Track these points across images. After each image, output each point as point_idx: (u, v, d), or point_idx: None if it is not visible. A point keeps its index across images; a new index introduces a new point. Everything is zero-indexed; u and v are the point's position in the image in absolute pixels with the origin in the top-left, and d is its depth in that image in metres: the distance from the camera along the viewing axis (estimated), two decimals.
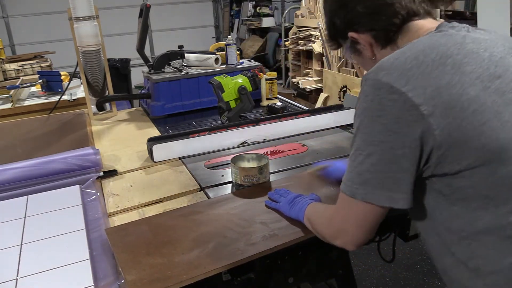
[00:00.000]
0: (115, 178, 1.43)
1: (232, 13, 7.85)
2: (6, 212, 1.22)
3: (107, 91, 2.20)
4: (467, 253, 0.76)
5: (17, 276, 0.94)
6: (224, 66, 2.23)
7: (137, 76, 3.77)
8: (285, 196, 1.12)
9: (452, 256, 0.78)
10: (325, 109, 1.92)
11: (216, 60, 2.19)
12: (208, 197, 1.25)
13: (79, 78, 2.30)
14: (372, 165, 0.74)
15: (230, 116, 1.81)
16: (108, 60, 2.17)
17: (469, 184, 0.72)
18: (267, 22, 6.72)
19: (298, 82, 4.80)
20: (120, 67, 4.57)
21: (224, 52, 2.25)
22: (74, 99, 2.44)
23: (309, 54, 4.79)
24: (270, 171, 1.31)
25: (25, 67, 3.08)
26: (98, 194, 1.31)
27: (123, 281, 0.89)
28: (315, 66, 4.66)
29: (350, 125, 1.75)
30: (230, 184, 1.31)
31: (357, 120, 0.77)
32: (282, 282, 1.08)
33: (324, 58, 4.27)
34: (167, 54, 2.19)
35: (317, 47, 4.43)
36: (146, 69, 2.19)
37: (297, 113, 1.81)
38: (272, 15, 6.74)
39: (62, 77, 2.55)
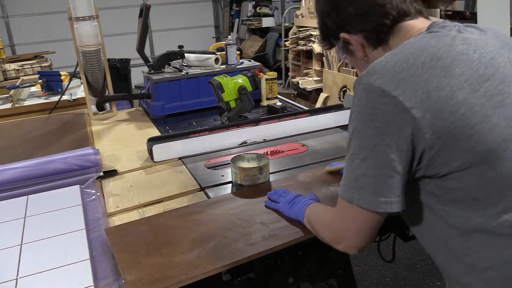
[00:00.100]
0: (115, 178, 1.43)
1: (232, 13, 7.85)
2: (6, 212, 1.22)
3: (107, 91, 2.20)
4: (464, 249, 0.77)
5: (17, 276, 0.94)
6: (224, 66, 2.23)
7: (137, 76, 3.78)
8: (284, 196, 1.11)
9: (449, 252, 0.79)
10: (325, 109, 1.92)
11: (216, 60, 2.19)
12: (208, 197, 1.25)
13: (79, 78, 2.30)
14: (367, 169, 0.74)
15: (230, 116, 1.81)
16: (108, 60, 2.17)
17: (459, 185, 0.73)
18: (267, 22, 6.72)
19: (298, 82, 4.80)
20: (120, 67, 4.57)
21: (224, 52, 2.25)
22: (74, 99, 2.44)
23: (309, 54, 4.79)
24: (270, 171, 1.31)
25: (25, 67, 3.08)
26: (98, 194, 1.31)
27: (123, 281, 0.89)
28: (315, 66, 4.66)
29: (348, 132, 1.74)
30: (230, 184, 1.31)
31: (351, 124, 0.78)
32: (282, 282, 1.08)
33: (324, 58, 4.27)
34: (167, 54, 2.19)
35: (317, 47, 4.43)
36: (146, 69, 2.19)
37: (297, 113, 1.81)
38: (272, 15, 6.74)
39: (62, 77, 2.55)
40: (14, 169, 1.34)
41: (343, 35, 0.88)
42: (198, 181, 1.35)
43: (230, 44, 2.22)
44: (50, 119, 2.16)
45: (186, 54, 2.21)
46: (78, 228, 1.12)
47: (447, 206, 0.76)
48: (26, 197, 1.30)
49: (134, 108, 2.36)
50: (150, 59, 2.18)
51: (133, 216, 1.18)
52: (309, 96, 4.67)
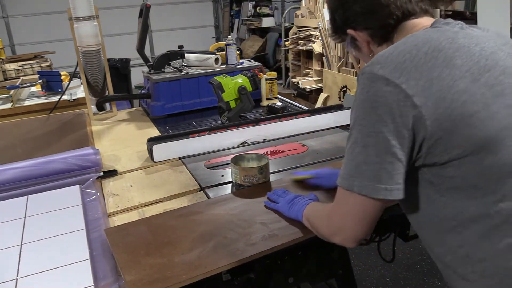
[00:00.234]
0: (115, 178, 1.43)
1: (232, 13, 7.85)
2: (6, 212, 1.22)
3: (107, 91, 2.20)
4: (458, 241, 0.78)
5: (17, 276, 0.94)
6: (224, 66, 2.23)
7: (137, 76, 3.77)
8: (283, 197, 1.12)
9: (444, 244, 0.81)
10: (325, 109, 1.92)
11: (216, 60, 2.19)
12: (208, 197, 1.25)
13: (79, 78, 2.30)
14: (368, 156, 0.76)
15: (230, 116, 1.81)
16: (108, 60, 2.17)
17: (458, 173, 0.74)
18: (267, 22, 6.72)
19: (298, 82, 4.80)
20: (120, 67, 4.57)
21: (224, 52, 2.25)
22: (74, 99, 2.44)
23: (309, 54, 4.78)
24: (270, 171, 1.31)
25: (25, 67, 3.08)
26: (98, 194, 1.31)
27: (123, 281, 0.89)
28: (315, 66, 4.66)
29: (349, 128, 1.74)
30: (230, 184, 1.31)
31: (353, 113, 0.79)
32: (282, 282, 1.08)
33: (324, 58, 4.27)
34: (167, 54, 2.19)
35: (317, 47, 4.43)
36: (146, 69, 2.19)
37: (297, 113, 1.81)
38: (272, 15, 6.74)
39: (62, 77, 2.55)
40: (14, 169, 1.34)
41: (349, 31, 0.91)
42: (198, 181, 1.35)
43: (230, 44, 2.22)
44: (50, 119, 2.16)
45: (186, 54, 2.21)
46: (78, 228, 1.12)
47: (444, 196, 0.77)
48: (26, 197, 1.30)
49: (134, 108, 2.36)
50: (150, 59, 2.18)
51: (133, 216, 1.18)
52: (309, 96, 4.67)
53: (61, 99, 2.32)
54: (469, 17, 3.11)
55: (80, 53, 1.95)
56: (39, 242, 1.07)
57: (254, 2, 7.15)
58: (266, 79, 2.17)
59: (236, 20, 7.73)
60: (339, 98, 3.90)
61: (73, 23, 1.87)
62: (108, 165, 1.50)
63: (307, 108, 2.05)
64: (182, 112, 2.10)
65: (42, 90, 2.55)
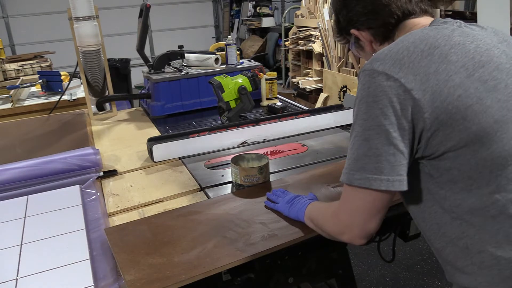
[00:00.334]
0: (115, 178, 1.43)
1: (232, 13, 7.85)
2: (6, 212, 1.22)
3: (107, 91, 2.20)
4: (457, 233, 0.80)
5: (17, 276, 0.94)
6: (224, 66, 2.23)
7: (137, 76, 3.78)
8: (282, 197, 1.12)
9: (444, 237, 0.82)
10: (325, 109, 1.92)
11: (216, 60, 2.19)
12: (208, 197, 1.25)
13: (79, 78, 2.30)
14: (370, 149, 0.77)
15: (230, 116, 1.81)
16: (108, 60, 2.17)
17: (454, 165, 0.77)
18: (267, 22, 6.72)
19: (298, 82, 4.79)
20: (120, 67, 4.58)
21: (224, 52, 2.25)
22: (74, 99, 2.44)
23: (309, 54, 4.78)
24: (270, 171, 1.31)
25: (25, 67, 3.08)
26: (98, 194, 1.31)
27: (123, 281, 0.89)
28: (315, 66, 4.66)
29: (350, 125, 1.75)
30: (230, 184, 1.31)
31: (355, 109, 0.82)
32: (282, 282, 1.08)
33: (324, 58, 4.26)
34: (167, 54, 2.19)
35: (317, 47, 4.43)
36: (146, 69, 2.19)
37: (297, 113, 1.81)
38: (272, 15, 6.74)
39: (62, 77, 2.55)
40: (14, 169, 1.34)
41: (353, 31, 0.96)
42: (198, 181, 1.35)
43: (230, 44, 2.22)
44: (50, 119, 2.16)
45: (186, 54, 2.21)
46: (78, 228, 1.12)
47: (443, 189, 0.80)
48: (26, 197, 1.30)
49: (134, 108, 2.36)
50: (150, 59, 2.18)
51: (133, 216, 1.18)
52: (309, 96, 4.67)
53: (61, 99, 2.32)
54: (469, 17, 3.11)
55: (80, 53, 1.95)
56: (39, 242, 1.07)
57: (254, 2, 7.15)
58: (266, 79, 2.17)
59: (236, 20, 7.73)
60: (339, 98, 3.90)
61: (73, 23, 1.87)
62: (108, 165, 1.50)
63: (307, 108, 2.06)
64: (182, 112, 2.10)
65: (42, 90, 2.56)
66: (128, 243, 1.00)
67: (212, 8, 8.14)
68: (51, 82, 2.53)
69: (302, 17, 4.79)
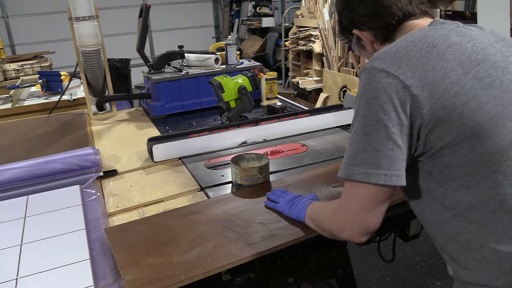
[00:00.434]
0: (115, 178, 1.43)
1: (232, 13, 7.85)
2: (6, 212, 1.22)
3: (107, 91, 2.20)
4: (458, 229, 0.81)
5: (17, 276, 0.94)
6: (224, 66, 2.23)
7: (137, 76, 3.77)
8: (283, 197, 1.12)
9: (446, 233, 0.84)
10: (325, 109, 1.92)
11: (216, 60, 2.19)
12: (208, 197, 1.25)
13: (79, 78, 2.30)
14: (369, 144, 0.79)
15: (230, 116, 1.81)
16: (108, 60, 2.17)
17: (452, 162, 0.79)
18: (267, 22, 6.72)
19: (298, 82, 4.79)
20: (120, 67, 4.58)
21: (224, 52, 2.25)
22: (74, 99, 2.44)
23: (309, 54, 4.78)
24: (270, 171, 1.31)
25: (25, 67, 3.08)
26: (98, 194, 1.31)
27: (123, 281, 0.89)
28: (315, 66, 4.66)
29: (350, 125, 1.75)
30: (230, 184, 1.31)
31: (356, 106, 0.83)
32: (282, 282, 1.08)
33: (324, 58, 4.26)
34: (167, 54, 2.19)
35: (317, 47, 4.43)
36: (146, 69, 2.19)
37: (297, 113, 1.81)
38: (272, 15, 6.74)
39: (62, 77, 2.55)
40: (14, 169, 1.34)
41: (355, 31, 0.98)
42: (198, 181, 1.35)
43: (230, 44, 2.22)
44: (50, 119, 2.16)
45: (186, 54, 2.21)
46: (78, 228, 1.12)
47: (443, 187, 0.81)
48: (26, 197, 1.30)
49: (134, 108, 2.36)
50: (150, 59, 2.18)
51: (133, 216, 1.18)
52: (309, 96, 4.67)
53: (61, 99, 2.32)
54: (469, 17, 3.11)
55: (80, 53, 1.95)
56: (39, 242, 1.07)
57: (254, 2, 7.15)
58: (266, 79, 2.17)
59: (236, 20, 7.73)
60: (339, 98, 3.90)
61: (73, 23, 1.87)
62: (108, 165, 1.50)
63: (307, 108, 2.06)
64: (182, 112, 2.10)
65: (42, 90, 2.56)
66: (128, 243, 1.00)
67: (212, 8, 8.14)
68: (51, 82, 2.53)
69: (302, 17, 4.79)
